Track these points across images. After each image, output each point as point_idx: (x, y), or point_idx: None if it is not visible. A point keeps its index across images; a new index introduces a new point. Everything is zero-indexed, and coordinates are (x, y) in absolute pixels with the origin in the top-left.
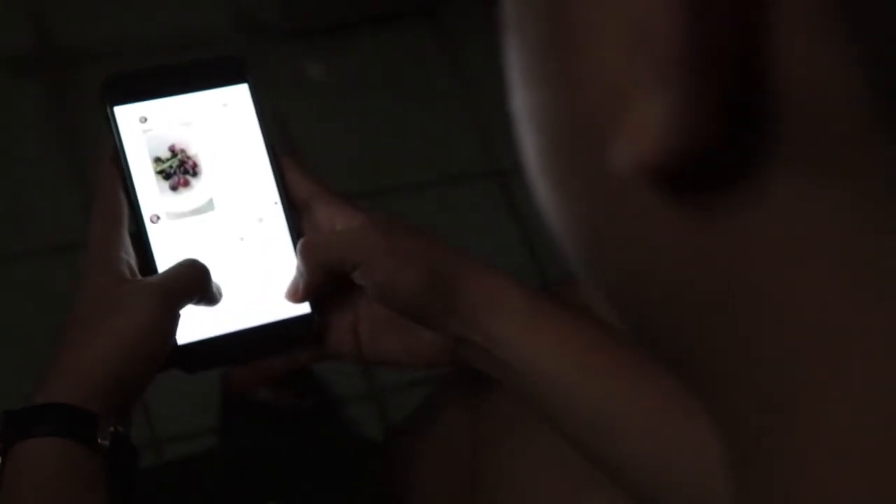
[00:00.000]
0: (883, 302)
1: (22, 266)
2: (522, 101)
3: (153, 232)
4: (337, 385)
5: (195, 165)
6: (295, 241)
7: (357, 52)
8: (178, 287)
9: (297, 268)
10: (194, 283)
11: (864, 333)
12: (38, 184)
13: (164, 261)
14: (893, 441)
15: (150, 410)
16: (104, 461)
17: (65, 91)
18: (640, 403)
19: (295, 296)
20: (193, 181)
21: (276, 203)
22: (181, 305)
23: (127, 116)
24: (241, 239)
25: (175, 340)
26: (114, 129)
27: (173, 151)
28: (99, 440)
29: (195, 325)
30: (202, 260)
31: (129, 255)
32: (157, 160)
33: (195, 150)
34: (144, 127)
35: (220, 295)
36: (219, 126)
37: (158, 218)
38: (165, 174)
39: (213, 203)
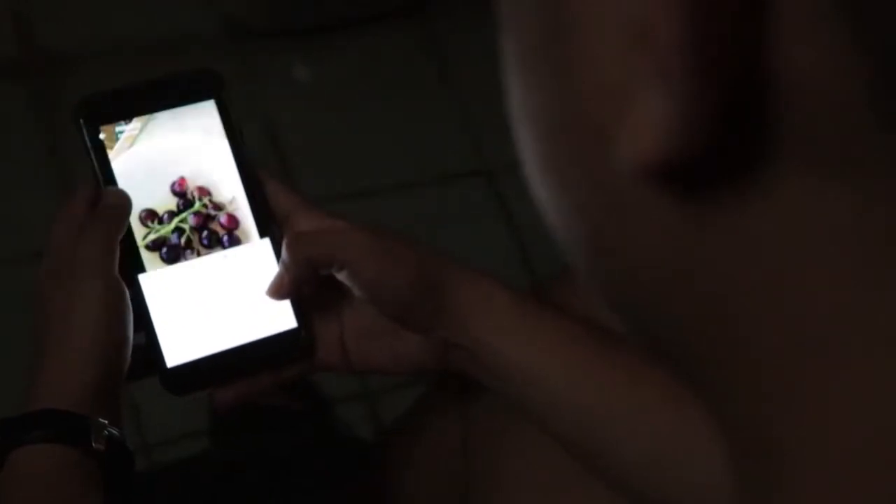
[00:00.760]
0: (887, 299)
1: (4, 272)
2: (519, 101)
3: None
4: (327, 386)
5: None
6: (277, 254)
7: (344, 53)
8: (103, 253)
9: (282, 263)
10: (109, 232)
11: (868, 331)
12: (21, 189)
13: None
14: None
15: (140, 414)
16: (100, 465)
17: (48, 95)
18: (629, 403)
19: (278, 292)
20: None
21: (256, 220)
22: (113, 262)
23: (101, 136)
24: (224, 257)
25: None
26: (90, 151)
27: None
28: (94, 444)
29: (182, 347)
30: (185, 280)
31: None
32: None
33: (171, 168)
34: (119, 146)
35: (125, 197)
36: (193, 143)
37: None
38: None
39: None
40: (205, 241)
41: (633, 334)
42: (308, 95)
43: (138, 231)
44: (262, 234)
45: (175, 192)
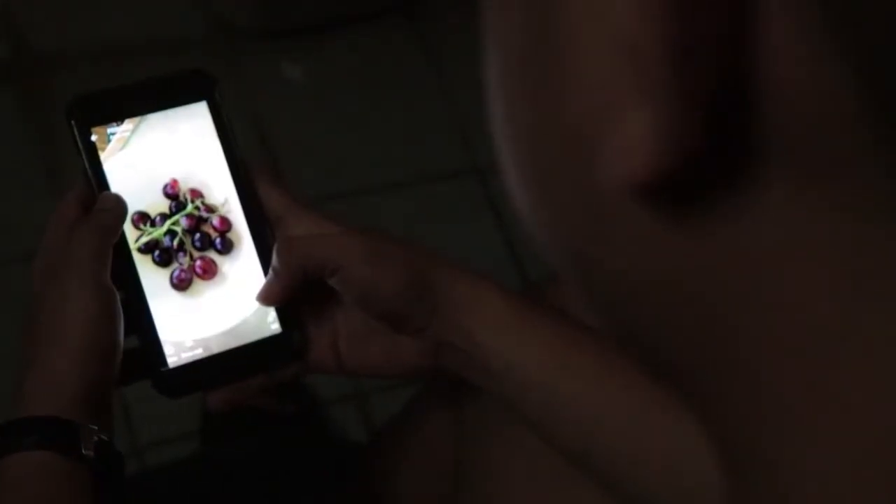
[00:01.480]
0: (879, 305)
1: None
2: (502, 115)
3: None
4: (319, 387)
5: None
6: (266, 260)
7: (334, 52)
8: (93, 256)
9: (272, 269)
10: (101, 236)
11: (861, 339)
12: (11, 190)
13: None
14: (894, 444)
15: (131, 416)
16: (90, 471)
17: (40, 97)
18: (622, 403)
19: (268, 298)
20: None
21: (249, 222)
22: (105, 269)
23: (94, 137)
24: (218, 259)
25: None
26: (82, 151)
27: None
28: (83, 450)
29: (176, 350)
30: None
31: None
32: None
33: (163, 168)
34: (112, 147)
35: (120, 203)
36: (185, 145)
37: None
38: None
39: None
40: (197, 244)
41: (622, 343)
42: (298, 95)
43: (131, 234)
44: (254, 237)
45: (167, 195)
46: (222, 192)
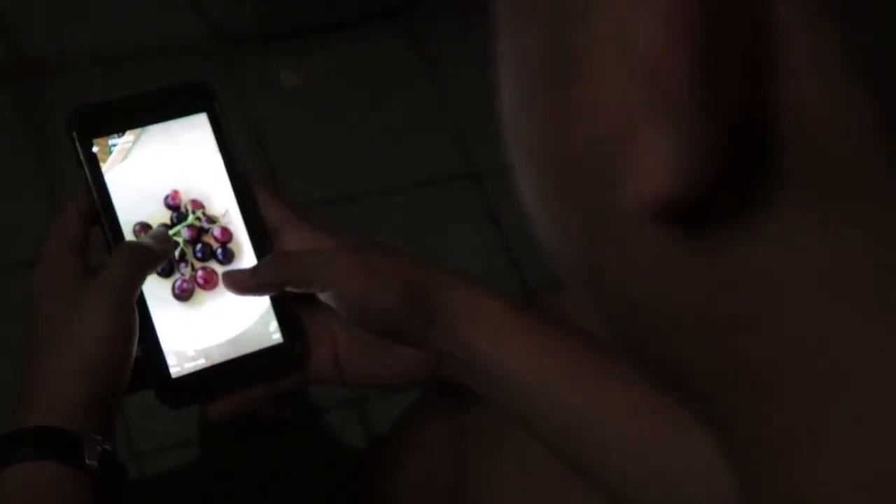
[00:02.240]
0: (893, 339)
1: None
2: (517, 133)
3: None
4: (317, 394)
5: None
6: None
7: (330, 57)
8: (123, 281)
9: (257, 267)
10: (137, 268)
11: (877, 358)
12: (5, 196)
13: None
14: None
15: (129, 423)
16: (93, 482)
17: (35, 102)
18: (622, 410)
19: (236, 286)
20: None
21: (249, 233)
22: (133, 295)
23: (95, 149)
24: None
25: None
26: (83, 163)
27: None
28: (87, 461)
29: (178, 360)
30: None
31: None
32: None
33: (163, 180)
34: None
35: (169, 243)
36: (185, 154)
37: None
38: None
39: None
40: (198, 255)
41: (630, 354)
42: (295, 100)
43: None
44: (255, 247)
45: (168, 206)
46: (223, 202)
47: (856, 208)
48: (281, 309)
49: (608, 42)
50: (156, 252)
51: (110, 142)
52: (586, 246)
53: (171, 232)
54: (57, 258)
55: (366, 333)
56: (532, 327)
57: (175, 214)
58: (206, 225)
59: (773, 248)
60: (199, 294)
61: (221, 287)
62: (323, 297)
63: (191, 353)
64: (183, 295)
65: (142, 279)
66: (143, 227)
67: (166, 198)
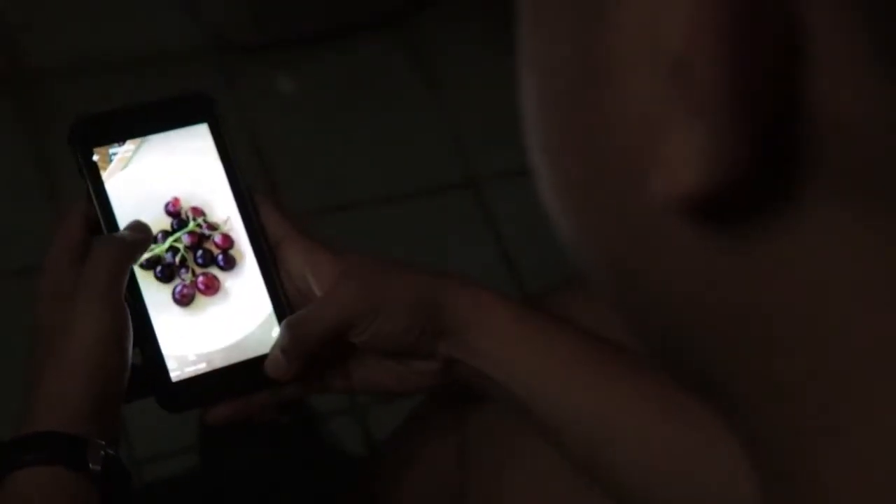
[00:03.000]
0: None
1: None
2: (541, 137)
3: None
4: (316, 400)
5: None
6: (268, 277)
7: (328, 65)
8: (105, 276)
9: (282, 348)
10: (117, 262)
11: None
12: (6, 204)
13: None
14: None
15: (128, 430)
16: (97, 486)
17: (35, 110)
18: (633, 412)
19: (283, 374)
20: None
21: (251, 240)
22: (118, 292)
23: (96, 158)
24: (221, 277)
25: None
26: (85, 174)
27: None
28: (90, 465)
29: (179, 364)
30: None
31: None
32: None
33: (166, 189)
34: (114, 167)
35: (146, 232)
36: (188, 164)
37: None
38: None
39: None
40: (199, 261)
41: (654, 356)
42: (293, 108)
43: None
44: (257, 255)
45: (169, 212)
46: (224, 210)
47: (887, 205)
48: (283, 315)
49: (637, 40)
50: (130, 242)
51: (111, 151)
52: (612, 244)
53: (171, 238)
54: (57, 266)
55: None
56: (540, 331)
57: (175, 221)
58: (206, 231)
59: (802, 245)
60: (200, 299)
61: (223, 293)
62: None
63: (191, 358)
64: (183, 300)
65: (123, 274)
66: None
67: (167, 205)
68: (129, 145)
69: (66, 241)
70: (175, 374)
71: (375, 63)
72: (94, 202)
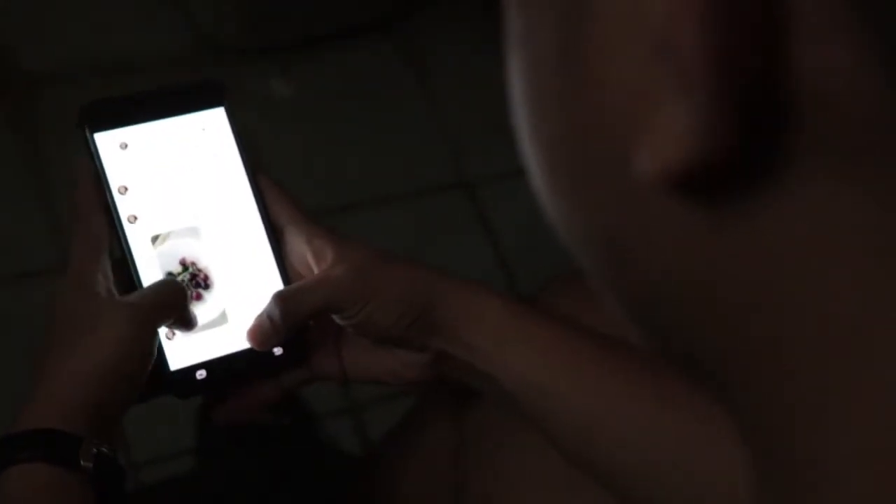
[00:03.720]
0: None
1: None
2: (530, 120)
3: (140, 255)
4: (313, 401)
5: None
6: (278, 262)
7: (321, 68)
8: (154, 306)
9: (268, 316)
10: (171, 302)
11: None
12: (1, 210)
13: (150, 279)
14: None
15: (127, 433)
16: (90, 484)
17: (28, 115)
18: (627, 408)
19: (263, 342)
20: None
21: (260, 225)
22: (158, 325)
23: (107, 142)
24: (227, 257)
25: (167, 366)
26: (95, 156)
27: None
28: (82, 462)
29: (186, 350)
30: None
31: (108, 278)
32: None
33: (176, 172)
34: (125, 153)
35: (196, 321)
36: (198, 149)
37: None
38: None
39: (198, 226)
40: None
41: (651, 343)
42: (287, 111)
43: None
44: (271, 245)
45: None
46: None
47: (874, 170)
48: None
49: (620, 19)
50: (184, 305)
51: (121, 135)
52: (603, 225)
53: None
54: (80, 259)
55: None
56: (534, 326)
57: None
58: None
59: (789, 217)
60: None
61: (229, 278)
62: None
63: (199, 344)
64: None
65: (167, 319)
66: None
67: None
68: (141, 130)
69: (86, 232)
70: (182, 360)
71: (370, 66)
72: (106, 187)
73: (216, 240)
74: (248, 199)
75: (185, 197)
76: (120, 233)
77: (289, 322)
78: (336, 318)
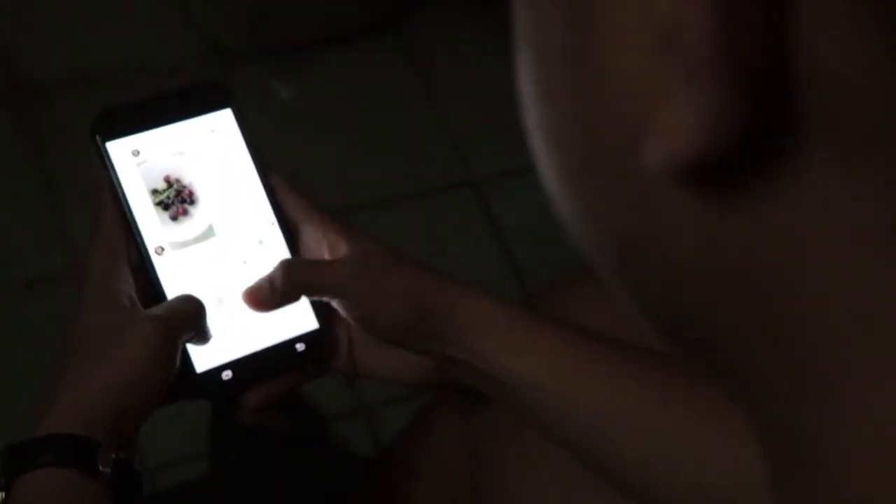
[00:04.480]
0: None
1: None
2: (538, 115)
3: (158, 263)
4: (323, 403)
5: (191, 193)
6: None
7: (325, 70)
8: (177, 319)
9: (270, 279)
10: (192, 317)
11: None
12: (9, 218)
13: (172, 291)
14: None
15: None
16: (108, 489)
17: (35, 123)
18: (635, 407)
19: (258, 303)
20: (191, 209)
21: (273, 224)
22: (181, 338)
23: (120, 151)
24: (244, 262)
25: (194, 369)
26: (109, 166)
27: (168, 182)
28: (101, 468)
29: (209, 352)
30: (209, 287)
31: (130, 287)
32: (154, 192)
33: (189, 178)
34: (138, 160)
35: (211, 335)
36: (209, 152)
37: (163, 249)
38: (164, 205)
39: (213, 229)
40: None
41: (665, 335)
42: (290, 113)
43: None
44: (285, 237)
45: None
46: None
47: (885, 157)
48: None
49: (628, 9)
50: (203, 321)
51: (133, 141)
52: (613, 217)
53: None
54: (103, 269)
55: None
56: (539, 329)
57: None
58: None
59: (799, 205)
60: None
61: (251, 272)
62: (333, 303)
63: (221, 346)
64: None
65: (189, 333)
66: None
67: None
68: (151, 135)
69: (107, 242)
70: (205, 362)
71: (373, 68)
72: (120, 195)
73: (232, 238)
74: (261, 197)
75: (200, 200)
76: (138, 240)
77: (286, 288)
78: (340, 308)
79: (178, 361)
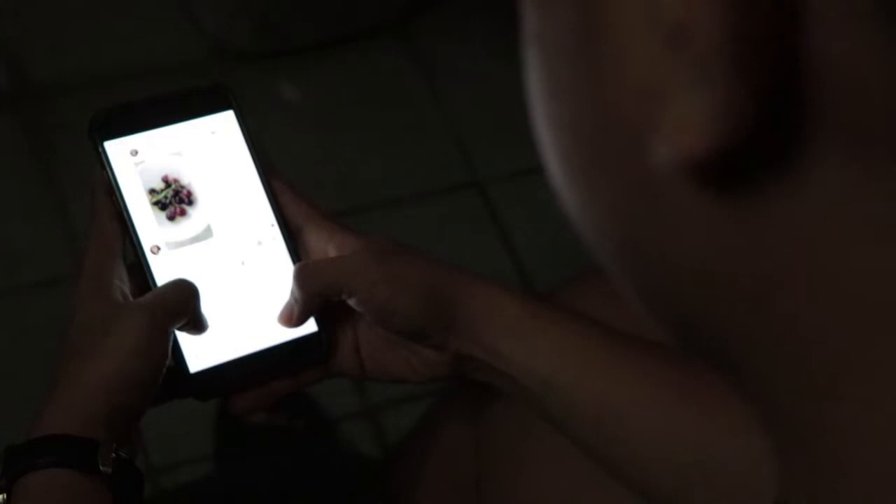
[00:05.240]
0: None
1: (1, 302)
2: (546, 113)
3: (155, 263)
4: (329, 405)
5: (189, 194)
6: (294, 261)
7: (330, 72)
8: (166, 306)
9: (292, 292)
10: (182, 301)
11: None
12: (17, 219)
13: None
14: None
15: (145, 439)
16: (109, 488)
17: (41, 125)
18: (646, 402)
19: (289, 321)
20: (189, 209)
21: (273, 225)
22: (171, 325)
23: (118, 151)
24: (243, 263)
25: (187, 369)
26: (106, 165)
27: (166, 182)
28: (101, 467)
29: (206, 352)
30: (205, 287)
31: (124, 283)
32: (152, 192)
33: (188, 178)
34: (136, 160)
35: (207, 324)
36: (209, 153)
37: (159, 249)
38: (161, 205)
39: (211, 229)
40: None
41: (672, 333)
42: (295, 115)
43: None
44: (288, 248)
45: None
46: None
47: (892, 157)
48: None
49: (635, 7)
50: (195, 306)
51: (131, 142)
52: (621, 215)
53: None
54: (97, 265)
55: (385, 332)
56: (552, 322)
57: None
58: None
59: (811, 201)
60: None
61: (250, 277)
62: (350, 301)
63: (218, 346)
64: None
65: (180, 319)
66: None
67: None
68: (150, 136)
69: (102, 239)
70: (201, 362)
71: (377, 69)
72: (117, 195)
73: (230, 239)
74: (262, 201)
75: (199, 201)
76: (134, 238)
77: (304, 293)
78: (355, 304)
79: (168, 350)
